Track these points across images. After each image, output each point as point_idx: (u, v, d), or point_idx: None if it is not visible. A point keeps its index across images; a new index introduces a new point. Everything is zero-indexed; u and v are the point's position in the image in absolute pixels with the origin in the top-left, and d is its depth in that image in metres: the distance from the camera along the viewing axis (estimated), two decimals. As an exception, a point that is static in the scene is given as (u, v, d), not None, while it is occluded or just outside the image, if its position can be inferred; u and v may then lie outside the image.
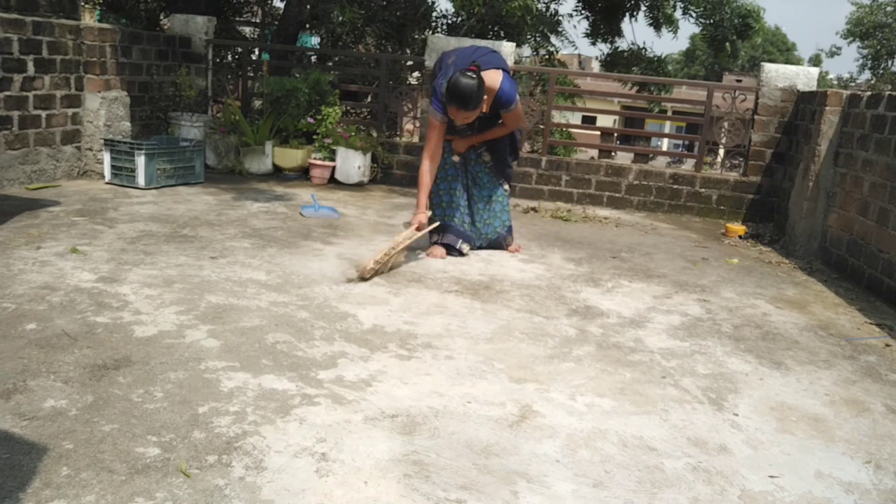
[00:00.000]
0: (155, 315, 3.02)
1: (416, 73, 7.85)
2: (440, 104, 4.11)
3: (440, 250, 4.37)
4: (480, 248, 4.61)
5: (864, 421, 2.62)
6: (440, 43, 6.66)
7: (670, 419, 2.50)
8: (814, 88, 6.08)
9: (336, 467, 2.02)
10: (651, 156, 13.46)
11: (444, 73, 4.13)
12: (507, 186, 4.64)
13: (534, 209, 6.13)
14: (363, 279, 3.75)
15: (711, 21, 9.10)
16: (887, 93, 4.52)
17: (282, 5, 8.68)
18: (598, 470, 2.14)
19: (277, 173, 6.75)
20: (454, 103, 4.00)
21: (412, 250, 4.44)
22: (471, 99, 3.97)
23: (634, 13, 9.55)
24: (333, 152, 6.52)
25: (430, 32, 8.47)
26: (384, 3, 8.19)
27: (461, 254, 4.43)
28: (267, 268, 3.81)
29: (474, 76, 3.97)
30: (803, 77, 6.19)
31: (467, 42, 6.59)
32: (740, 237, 5.69)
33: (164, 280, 3.47)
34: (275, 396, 2.40)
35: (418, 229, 4.19)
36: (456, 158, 4.45)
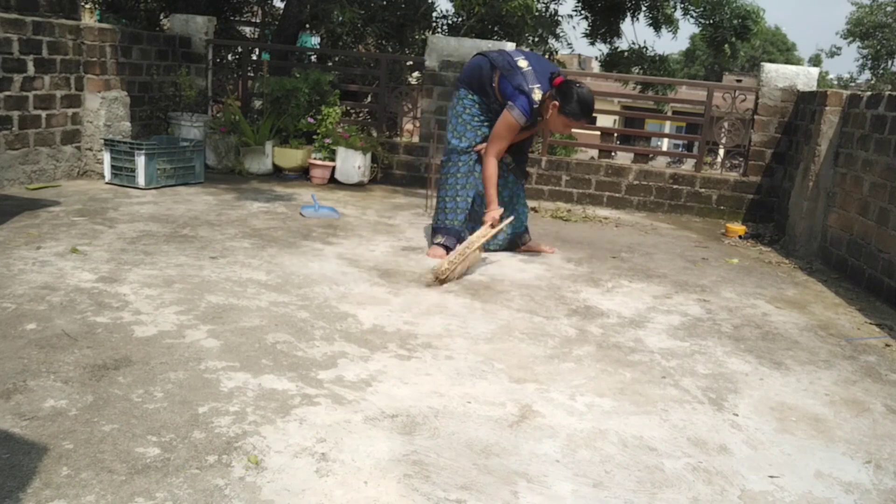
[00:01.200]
0: (155, 315, 3.02)
1: (416, 73, 7.85)
2: (530, 110, 4.06)
3: (440, 251, 4.37)
4: (493, 250, 4.58)
5: (864, 421, 2.62)
6: (440, 43, 6.66)
7: (670, 419, 2.50)
8: (814, 88, 6.08)
9: (336, 467, 2.02)
10: (651, 156, 13.45)
11: (524, 79, 4.06)
12: (524, 186, 4.68)
13: (534, 209, 6.13)
14: (440, 281, 3.75)
15: (711, 21, 9.11)
16: (887, 93, 4.52)
17: (282, 5, 8.69)
18: (598, 470, 2.14)
19: (277, 173, 6.75)
20: (586, 117, 4.11)
21: (412, 250, 4.45)
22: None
23: (635, 13, 9.55)
24: (333, 152, 6.52)
25: (430, 32, 8.47)
26: (384, 3, 8.19)
27: None
28: (267, 268, 3.81)
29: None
30: (803, 77, 6.19)
31: (467, 42, 6.61)
32: (740, 237, 5.69)
33: (164, 280, 3.47)
34: (275, 396, 2.40)
35: (493, 226, 4.18)
36: (509, 160, 4.47)
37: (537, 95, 4.05)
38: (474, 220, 4.48)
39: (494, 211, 4.20)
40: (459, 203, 4.44)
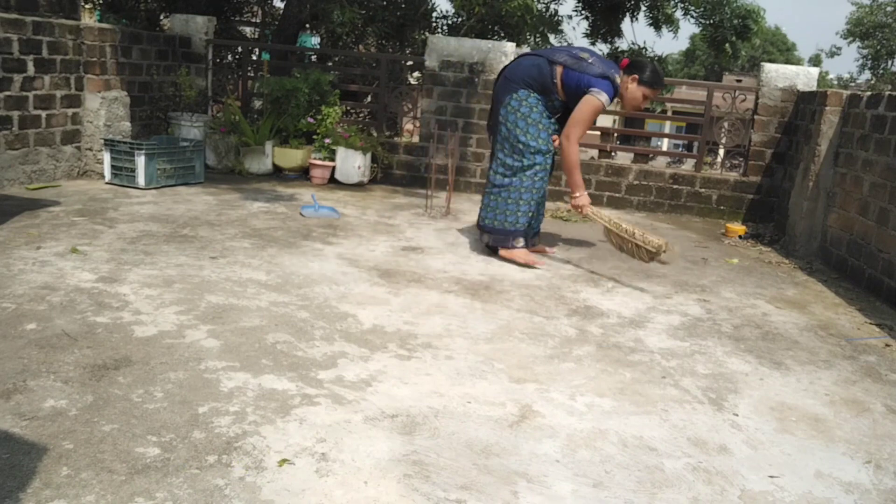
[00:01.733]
0: (155, 315, 3.02)
1: (416, 73, 7.85)
2: (614, 93, 4.34)
3: (524, 252, 4.39)
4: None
5: (864, 421, 2.62)
6: (440, 43, 6.66)
7: (670, 419, 2.50)
8: (814, 88, 6.08)
9: (336, 467, 2.02)
10: (651, 156, 13.42)
11: (599, 68, 4.29)
12: None
13: (534, 209, 6.12)
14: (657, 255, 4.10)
15: (711, 21, 9.09)
16: (887, 93, 4.52)
17: (282, 5, 8.68)
18: (598, 470, 2.14)
19: (277, 173, 6.75)
20: (662, 85, 4.47)
21: (412, 250, 4.45)
22: None
23: (635, 13, 9.54)
24: (333, 152, 6.52)
25: (430, 32, 8.47)
26: (384, 3, 8.19)
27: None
28: (267, 268, 3.81)
29: None
30: (803, 77, 6.19)
31: (467, 42, 6.61)
32: (740, 237, 5.69)
33: (164, 280, 3.47)
34: (275, 396, 2.40)
35: (582, 209, 4.37)
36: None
37: (618, 80, 4.33)
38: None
39: (585, 196, 4.39)
40: (532, 206, 4.44)
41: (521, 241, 4.42)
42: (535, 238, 4.70)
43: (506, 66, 4.56)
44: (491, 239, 4.47)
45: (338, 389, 2.50)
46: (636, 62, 4.42)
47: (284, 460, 2.03)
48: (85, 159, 5.89)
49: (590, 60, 4.33)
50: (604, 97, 4.25)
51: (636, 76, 4.33)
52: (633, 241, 4.13)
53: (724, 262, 4.86)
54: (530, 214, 4.44)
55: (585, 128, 4.35)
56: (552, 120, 4.46)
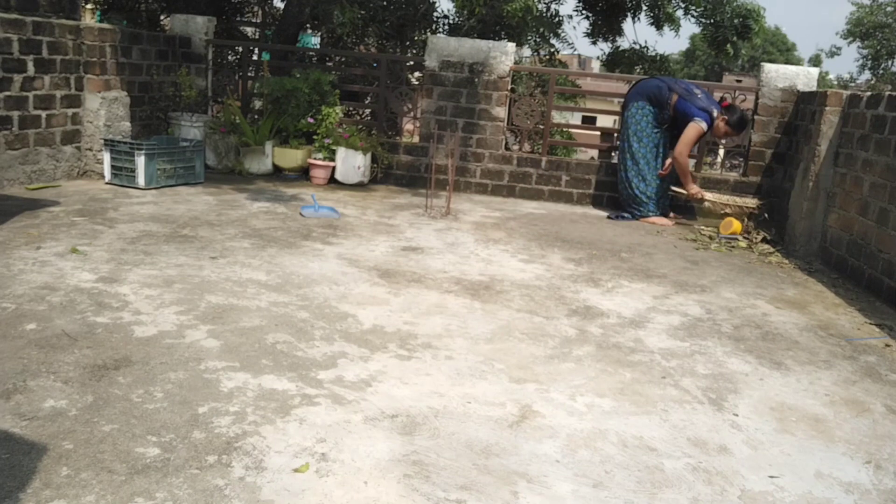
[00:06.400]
0: (155, 315, 3.02)
1: (416, 73, 7.85)
2: (711, 120, 5.79)
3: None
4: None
5: (864, 421, 2.62)
6: (440, 43, 6.66)
7: (670, 419, 2.50)
8: (814, 89, 6.08)
9: (336, 467, 2.03)
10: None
11: (705, 102, 5.82)
12: None
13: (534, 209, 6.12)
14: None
15: (712, 21, 9.08)
16: (887, 93, 4.52)
17: (282, 5, 8.68)
18: (598, 470, 2.14)
19: (277, 173, 6.75)
20: (741, 129, 5.91)
21: (412, 250, 4.45)
22: None
23: (636, 13, 9.53)
24: (334, 152, 6.52)
25: (431, 33, 8.47)
26: (385, 3, 8.19)
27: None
28: (267, 268, 3.81)
29: None
30: (803, 77, 6.19)
31: (467, 42, 6.61)
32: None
33: (164, 280, 3.47)
34: (275, 396, 2.40)
35: (697, 195, 5.92)
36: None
37: (715, 114, 5.79)
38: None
39: (695, 186, 5.93)
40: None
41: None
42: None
43: (637, 82, 6.17)
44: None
45: (338, 389, 2.50)
46: (731, 107, 5.86)
47: (305, 467, 2.02)
48: (85, 159, 5.89)
49: (699, 96, 5.82)
50: (703, 124, 5.71)
51: (726, 117, 5.79)
52: (734, 204, 5.80)
53: (724, 262, 4.85)
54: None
55: (691, 146, 5.82)
56: (657, 129, 5.96)
